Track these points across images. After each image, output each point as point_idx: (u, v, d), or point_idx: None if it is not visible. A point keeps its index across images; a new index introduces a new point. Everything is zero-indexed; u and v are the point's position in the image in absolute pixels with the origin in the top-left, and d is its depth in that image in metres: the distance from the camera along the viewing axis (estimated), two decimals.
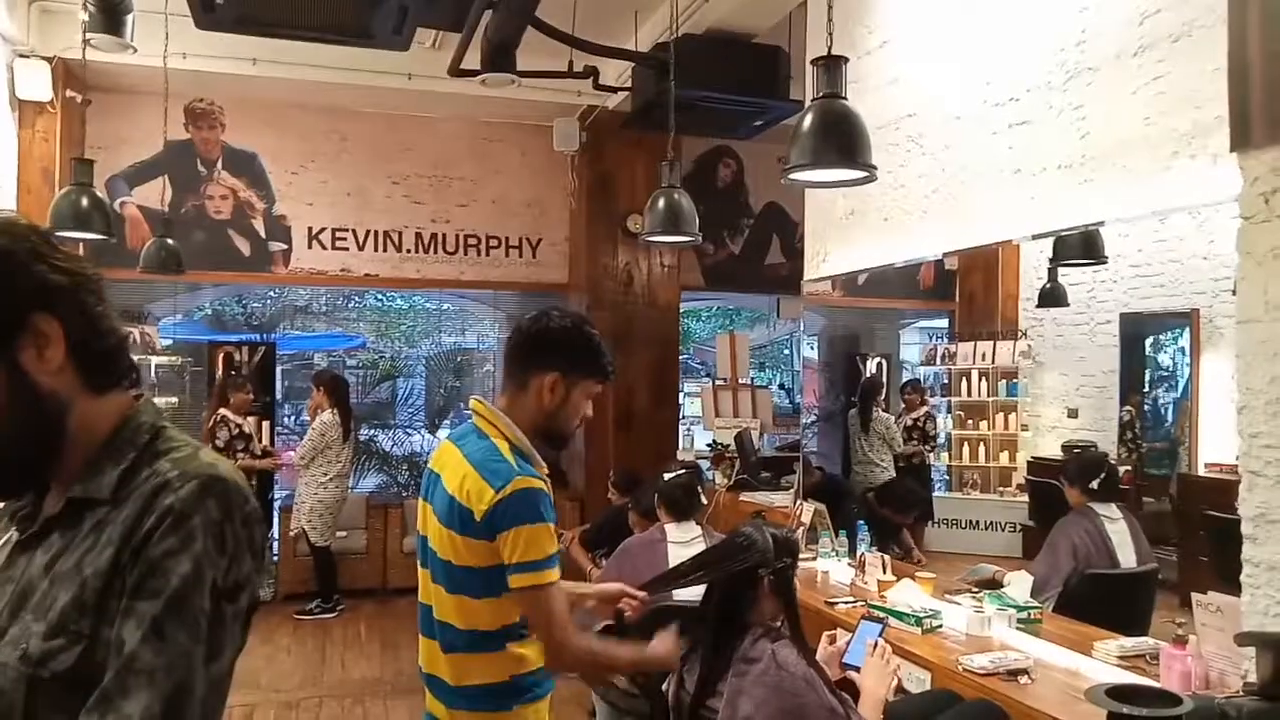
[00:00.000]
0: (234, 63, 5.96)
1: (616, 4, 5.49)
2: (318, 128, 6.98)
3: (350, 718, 4.65)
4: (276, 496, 7.08)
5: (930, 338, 8.80)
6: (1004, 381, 7.13)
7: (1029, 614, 3.18)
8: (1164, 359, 6.07)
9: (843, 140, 2.36)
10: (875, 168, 2.43)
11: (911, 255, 3.87)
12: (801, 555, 4.21)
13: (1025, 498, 6.31)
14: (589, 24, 5.46)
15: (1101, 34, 2.87)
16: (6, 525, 1.12)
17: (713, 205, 7.62)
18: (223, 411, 6.09)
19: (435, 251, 7.23)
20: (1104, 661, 2.73)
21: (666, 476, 3.47)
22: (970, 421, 7.31)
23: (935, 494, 7.03)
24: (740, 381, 5.99)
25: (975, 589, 3.51)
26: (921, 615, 3.14)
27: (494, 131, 7.33)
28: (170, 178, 6.70)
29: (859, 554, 3.93)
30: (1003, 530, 6.77)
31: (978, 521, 6.97)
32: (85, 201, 3.77)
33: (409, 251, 7.19)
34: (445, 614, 1.79)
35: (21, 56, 5.74)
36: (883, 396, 6.93)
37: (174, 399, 7.00)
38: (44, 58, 5.71)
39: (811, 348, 9.25)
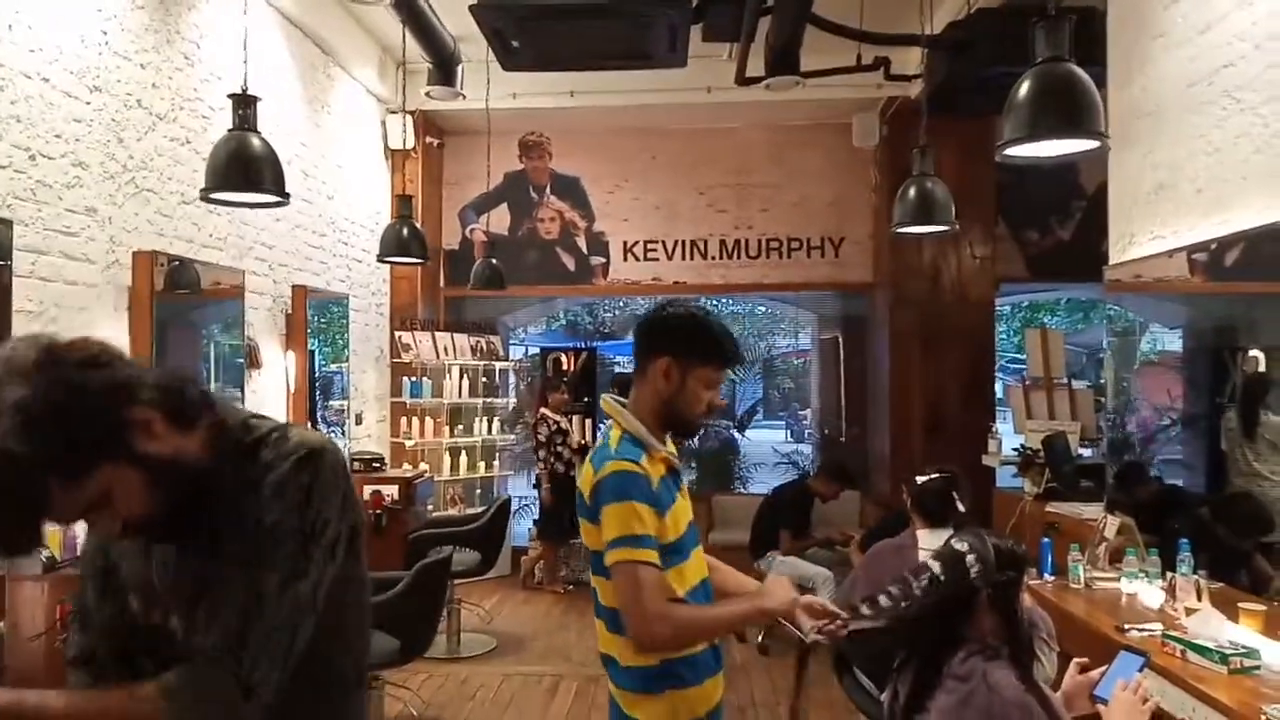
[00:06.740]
0: (555, 97, 6.63)
1: None
2: (630, 148, 7.51)
3: None
4: None
5: None
6: None
7: None
8: None
9: (1065, 107, 2.11)
10: (1106, 135, 2.13)
11: (1228, 230, 3.30)
12: (1105, 574, 3.76)
13: None
14: (880, 14, 5.31)
15: None
16: None
17: (1036, 190, 6.99)
18: (543, 410, 6.74)
19: (739, 257, 7.43)
20: None
21: (920, 480, 3.28)
22: None
23: None
24: (1055, 381, 5.42)
25: None
26: (1229, 652, 2.67)
27: (793, 134, 7.37)
28: (509, 204, 7.59)
29: (1169, 577, 3.41)
30: None
31: None
32: (405, 231, 4.44)
33: (714, 259, 7.46)
34: (603, 597, 1.89)
35: (391, 113, 6.86)
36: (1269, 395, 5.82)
37: (512, 399, 7.90)
38: (408, 111, 6.76)
39: (1169, 341, 8.05)
